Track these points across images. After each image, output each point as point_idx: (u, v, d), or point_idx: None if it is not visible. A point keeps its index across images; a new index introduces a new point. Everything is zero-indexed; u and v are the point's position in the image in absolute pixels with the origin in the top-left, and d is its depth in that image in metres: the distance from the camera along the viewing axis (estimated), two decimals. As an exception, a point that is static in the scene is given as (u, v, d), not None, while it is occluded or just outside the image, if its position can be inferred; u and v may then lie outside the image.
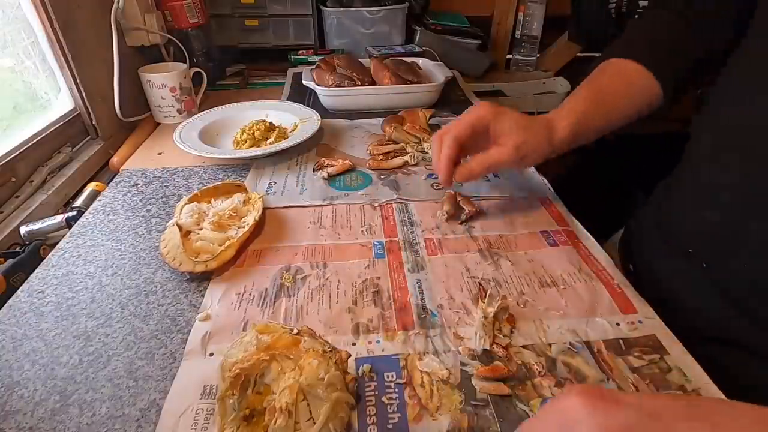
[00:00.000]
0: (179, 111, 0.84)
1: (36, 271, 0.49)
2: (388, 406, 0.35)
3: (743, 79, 0.46)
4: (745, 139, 0.44)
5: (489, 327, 0.40)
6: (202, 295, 0.45)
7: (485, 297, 0.43)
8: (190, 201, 0.55)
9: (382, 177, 0.66)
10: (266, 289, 0.46)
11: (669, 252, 0.53)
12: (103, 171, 0.75)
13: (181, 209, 0.52)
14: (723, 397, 0.35)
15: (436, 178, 0.65)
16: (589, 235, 0.54)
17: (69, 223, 0.57)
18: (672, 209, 0.55)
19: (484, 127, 0.51)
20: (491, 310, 0.41)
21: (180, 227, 0.49)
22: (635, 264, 0.60)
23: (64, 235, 0.55)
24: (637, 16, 1.20)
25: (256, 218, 0.53)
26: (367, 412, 0.34)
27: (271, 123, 0.74)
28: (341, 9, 1.13)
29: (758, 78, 0.43)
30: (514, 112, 0.52)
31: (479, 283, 0.46)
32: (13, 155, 0.62)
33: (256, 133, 0.71)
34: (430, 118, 0.79)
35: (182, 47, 0.91)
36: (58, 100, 0.72)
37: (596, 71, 0.57)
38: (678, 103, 0.55)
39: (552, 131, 0.52)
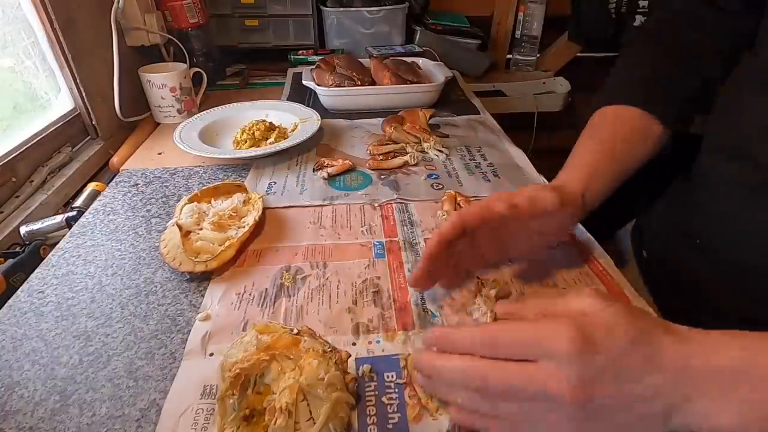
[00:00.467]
0: (179, 111, 0.84)
1: (36, 271, 0.49)
2: (388, 406, 0.35)
3: (753, 84, 0.46)
4: (755, 140, 0.44)
5: (491, 303, 0.39)
6: (202, 295, 0.45)
7: (483, 287, 0.42)
8: (190, 201, 0.55)
9: (382, 177, 0.66)
10: (266, 289, 0.46)
11: (683, 244, 0.52)
12: (103, 171, 0.75)
13: (181, 209, 0.52)
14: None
15: (437, 177, 0.66)
16: (589, 235, 0.54)
17: (69, 223, 0.57)
18: (687, 203, 0.54)
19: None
20: (492, 292, 0.40)
21: (180, 227, 0.49)
22: (648, 252, 0.60)
23: (64, 235, 0.55)
24: (637, 16, 1.20)
25: (256, 218, 0.53)
26: (367, 412, 0.34)
27: (271, 123, 0.74)
28: (341, 9, 1.13)
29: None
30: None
31: (477, 276, 0.45)
32: (13, 155, 0.62)
33: (256, 133, 0.71)
34: (430, 118, 0.79)
35: (182, 47, 0.91)
36: (58, 100, 0.72)
37: (593, 122, 0.53)
38: (687, 131, 0.53)
39: (560, 188, 0.45)
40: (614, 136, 0.50)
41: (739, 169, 0.46)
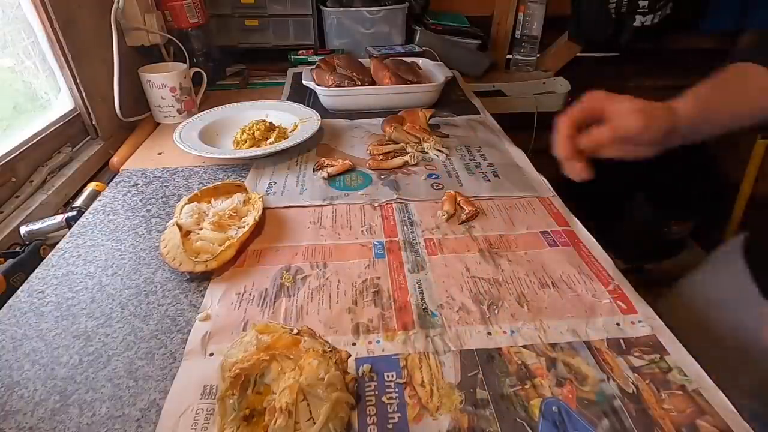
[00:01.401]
0: (179, 111, 0.84)
1: (36, 271, 0.49)
2: (388, 406, 0.35)
3: None
4: None
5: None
6: (202, 295, 0.45)
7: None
8: (190, 201, 0.55)
9: (382, 177, 0.66)
10: (266, 289, 0.46)
11: None
12: (103, 171, 0.75)
13: (181, 209, 0.52)
14: (722, 396, 0.35)
15: (437, 177, 0.65)
16: (589, 235, 0.54)
17: (69, 223, 0.57)
18: None
19: (599, 109, 0.47)
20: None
21: (180, 227, 0.49)
22: None
23: (64, 235, 0.55)
24: (637, 16, 1.19)
25: (256, 218, 0.53)
26: (367, 412, 0.34)
27: (271, 123, 0.74)
28: (341, 9, 1.13)
29: None
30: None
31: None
32: (13, 155, 0.62)
33: (256, 133, 0.71)
34: (430, 118, 0.79)
35: (182, 47, 0.91)
36: (58, 100, 0.72)
37: (719, 72, 0.53)
38: None
39: (674, 107, 0.47)
40: (731, 78, 0.51)
41: None
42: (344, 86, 0.85)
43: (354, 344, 0.40)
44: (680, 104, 0.48)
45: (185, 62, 0.88)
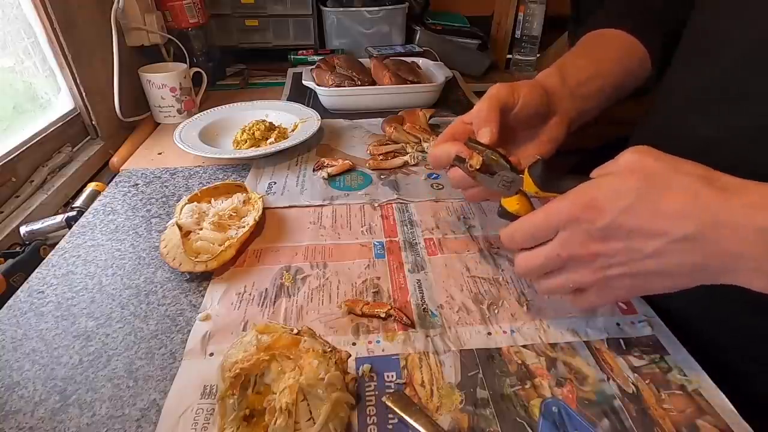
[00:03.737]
0: (179, 111, 0.84)
1: (36, 271, 0.49)
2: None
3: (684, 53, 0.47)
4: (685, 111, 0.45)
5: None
6: (202, 295, 0.45)
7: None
8: (190, 201, 0.55)
9: (382, 177, 0.66)
10: (266, 289, 0.46)
11: None
12: (103, 171, 0.75)
13: (181, 209, 0.52)
14: (722, 396, 0.35)
15: (436, 177, 0.65)
16: None
17: (69, 223, 0.57)
18: None
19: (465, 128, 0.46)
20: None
21: (180, 227, 0.49)
22: None
23: (64, 235, 0.55)
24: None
25: (256, 218, 0.53)
26: (367, 412, 0.34)
27: (271, 123, 0.74)
28: (341, 9, 1.13)
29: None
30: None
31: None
32: (13, 155, 0.62)
33: (256, 133, 0.71)
34: (430, 118, 0.79)
35: (182, 47, 0.91)
36: (58, 100, 0.72)
37: (582, 40, 0.55)
38: (661, 74, 0.53)
39: (537, 79, 0.48)
40: (595, 44, 0.53)
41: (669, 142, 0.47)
42: (344, 86, 0.85)
43: (354, 344, 0.40)
44: (542, 76, 0.49)
45: (185, 62, 0.88)
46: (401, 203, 0.60)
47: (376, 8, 1.12)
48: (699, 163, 0.30)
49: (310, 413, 0.32)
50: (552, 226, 0.33)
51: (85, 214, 0.58)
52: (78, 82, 0.71)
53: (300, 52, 1.13)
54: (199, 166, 0.69)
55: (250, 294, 0.45)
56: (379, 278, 0.47)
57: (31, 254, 0.53)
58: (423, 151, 0.72)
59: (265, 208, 0.57)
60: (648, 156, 0.31)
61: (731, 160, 0.40)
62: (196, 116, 0.78)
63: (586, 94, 0.49)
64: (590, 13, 1.29)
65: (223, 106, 0.81)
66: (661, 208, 0.29)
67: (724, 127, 0.41)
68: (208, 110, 0.80)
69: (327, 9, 1.12)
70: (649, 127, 0.53)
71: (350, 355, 0.36)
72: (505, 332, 0.41)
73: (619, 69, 0.52)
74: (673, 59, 0.50)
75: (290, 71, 1.08)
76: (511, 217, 0.39)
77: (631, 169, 0.31)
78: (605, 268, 0.32)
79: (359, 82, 0.86)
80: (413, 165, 0.69)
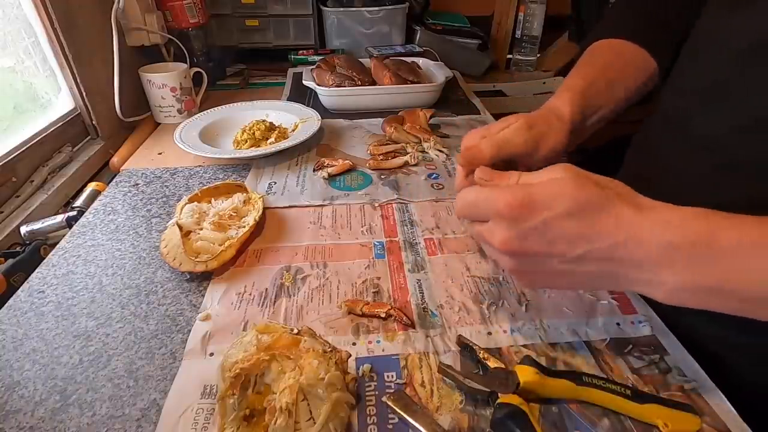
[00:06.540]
0: (179, 111, 0.84)
1: (36, 271, 0.49)
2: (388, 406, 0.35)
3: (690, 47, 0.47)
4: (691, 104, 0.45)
5: None
6: (202, 295, 0.45)
7: None
8: (191, 201, 0.55)
9: (382, 177, 0.66)
10: (266, 289, 0.46)
11: None
12: (103, 171, 0.75)
13: (182, 209, 0.52)
14: (722, 397, 0.35)
15: (437, 177, 0.66)
16: None
17: (69, 223, 0.57)
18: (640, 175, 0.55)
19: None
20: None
21: (180, 227, 0.49)
22: None
23: (64, 235, 0.55)
24: None
25: (257, 218, 0.53)
26: (367, 412, 0.34)
27: (271, 123, 0.74)
28: (341, 9, 1.13)
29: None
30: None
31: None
32: (13, 155, 0.62)
33: (257, 133, 0.71)
34: (430, 118, 0.79)
35: (182, 47, 0.91)
36: (59, 100, 0.72)
37: (588, 53, 0.54)
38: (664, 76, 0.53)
39: (556, 109, 0.47)
40: (607, 60, 0.52)
41: (674, 135, 0.47)
42: (344, 86, 0.85)
43: (354, 344, 0.40)
44: (560, 102, 0.48)
45: (185, 62, 0.88)
46: (401, 203, 0.60)
47: (377, 8, 1.12)
48: (618, 181, 0.33)
49: (311, 413, 0.32)
50: (487, 213, 0.34)
51: (85, 214, 0.58)
52: (78, 82, 0.71)
53: (300, 52, 1.13)
54: (200, 166, 0.69)
55: (250, 294, 0.45)
56: (379, 278, 0.47)
57: (31, 254, 0.53)
58: (423, 151, 0.72)
59: (265, 208, 0.57)
60: (574, 171, 0.33)
61: (731, 157, 0.40)
62: (196, 116, 0.78)
63: (597, 120, 0.50)
64: (590, 13, 1.28)
65: (224, 106, 0.81)
66: (589, 221, 0.31)
67: (725, 125, 0.41)
68: (209, 110, 0.80)
69: (327, 9, 1.12)
70: (650, 127, 0.53)
71: (350, 355, 0.36)
72: (505, 332, 0.41)
73: (633, 88, 0.52)
74: None
75: (290, 71, 1.08)
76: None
77: (565, 179, 0.32)
78: (524, 263, 0.34)
79: (359, 82, 0.86)
80: (413, 165, 0.69)
